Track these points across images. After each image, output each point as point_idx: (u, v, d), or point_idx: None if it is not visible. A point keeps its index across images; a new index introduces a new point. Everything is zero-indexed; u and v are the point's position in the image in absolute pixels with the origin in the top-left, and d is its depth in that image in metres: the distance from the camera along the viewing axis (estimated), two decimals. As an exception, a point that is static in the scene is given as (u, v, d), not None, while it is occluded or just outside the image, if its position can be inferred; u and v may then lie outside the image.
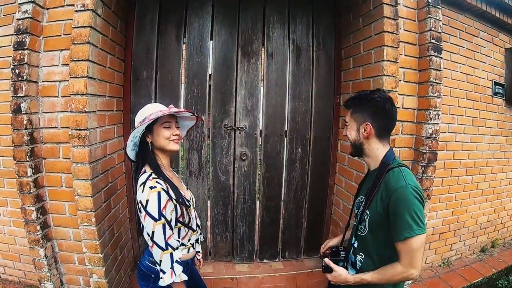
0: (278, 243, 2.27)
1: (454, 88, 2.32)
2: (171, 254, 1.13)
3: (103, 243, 1.60)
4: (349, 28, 2.03)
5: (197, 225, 1.35)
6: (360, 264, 1.14)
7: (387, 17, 1.65)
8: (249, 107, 2.05)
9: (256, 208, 2.19)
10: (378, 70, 1.70)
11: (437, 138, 1.86)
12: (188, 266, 1.32)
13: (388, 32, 1.65)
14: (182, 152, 2.02)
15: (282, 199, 2.21)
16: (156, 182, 1.13)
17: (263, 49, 2.03)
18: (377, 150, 1.11)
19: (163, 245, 1.11)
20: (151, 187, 1.10)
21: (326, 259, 1.17)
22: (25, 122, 1.50)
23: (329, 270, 1.16)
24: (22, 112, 1.50)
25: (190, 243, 1.31)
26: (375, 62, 1.74)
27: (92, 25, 1.43)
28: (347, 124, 1.17)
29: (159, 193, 1.10)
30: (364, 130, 1.09)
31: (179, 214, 1.20)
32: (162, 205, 1.10)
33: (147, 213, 1.09)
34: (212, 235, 2.17)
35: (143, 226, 1.15)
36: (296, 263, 2.28)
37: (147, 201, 1.09)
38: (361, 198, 1.19)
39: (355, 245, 1.18)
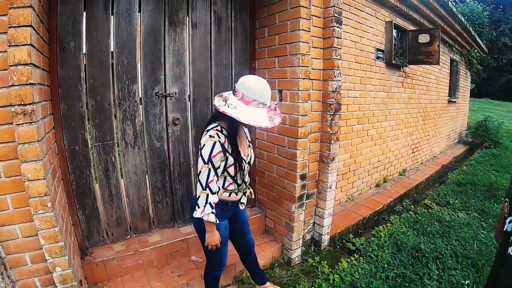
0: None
1: (345, 54, 3.45)
2: (207, 196, 1.70)
3: (61, 230, 1.76)
4: (263, 1, 2.81)
5: (242, 180, 1.91)
6: None
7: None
8: (178, 74, 2.64)
9: (191, 169, 2.85)
10: (295, 37, 2.52)
11: (340, 92, 2.90)
12: (228, 207, 1.93)
13: (303, 6, 2.47)
14: (116, 123, 2.46)
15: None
16: (217, 134, 1.69)
17: (188, 19, 2.62)
18: None
19: (204, 185, 1.68)
20: (210, 136, 1.68)
21: None
22: None
23: None
24: None
25: (234, 191, 1.91)
26: (291, 31, 2.56)
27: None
28: None
29: (214, 143, 1.66)
30: None
31: (229, 164, 1.75)
32: (213, 154, 1.66)
33: (200, 155, 1.68)
34: (153, 203, 2.72)
35: None
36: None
37: (203, 145, 1.67)
38: None
39: None
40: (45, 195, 1.63)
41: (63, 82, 2.15)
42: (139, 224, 2.71)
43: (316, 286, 2.61)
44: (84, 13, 2.20)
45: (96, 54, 2.29)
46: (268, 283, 2.51)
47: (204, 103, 2.82)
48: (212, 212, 1.73)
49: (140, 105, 2.53)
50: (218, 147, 1.68)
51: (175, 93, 2.64)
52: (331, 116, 2.86)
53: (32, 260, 1.81)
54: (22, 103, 1.51)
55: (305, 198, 2.89)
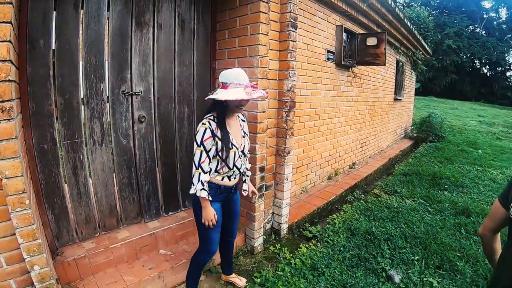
0: (178, 194, 3.23)
1: (298, 55, 3.81)
2: (199, 174, 2.02)
3: (38, 228, 1.80)
4: (225, 5, 3.07)
5: (234, 165, 2.16)
6: None
7: (263, 1, 2.76)
8: (143, 74, 2.82)
9: (156, 166, 3.05)
10: (254, 40, 2.82)
11: (294, 91, 3.25)
12: (221, 190, 2.20)
13: (263, 12, 2.77)
14: (84, 121, 2.59)
15: (176, 154, 3.17)
16: (209, 121, 2.02)
17: (153, 21, 2.81)
18: None
19: (196, 165, 2.03)
20: (203, 123, 2.02)
21: None
22: None
23: None
24: None
25: (227, 175, 2.18)
26: (251, 35, 2.86)
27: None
28: None
29: (205, 129, 2.00)
30: None
31: (219, 148, 2.05)
32: (204, 138, 2.00)
33: (195, 138, 2.03)
34: (120, 200, 2.88)
35: None
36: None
37: (197, 131, 2.02)
38: None
39: None
40: (23, 192, 1.67)
41: (32, 80, 2.22)
42: (107, 221, 2.85)
43: (279, 270, 2.93)
44: (54, 11, 2.27)
45: (65, 53, 2.38)
46: (233, 274, 2.79)
47: (168, 101, 3.02)
48: (203, 189, 2.04)
49: (108, 103, 2.67)
50: (208, 133, 2.02)
51: (141, 91, 2.82)
52: (286, 113, 3.22)
53: (7, 261, 1.82)
54: (1, 99, 1.56)
55: (264, 189, 3.21)
